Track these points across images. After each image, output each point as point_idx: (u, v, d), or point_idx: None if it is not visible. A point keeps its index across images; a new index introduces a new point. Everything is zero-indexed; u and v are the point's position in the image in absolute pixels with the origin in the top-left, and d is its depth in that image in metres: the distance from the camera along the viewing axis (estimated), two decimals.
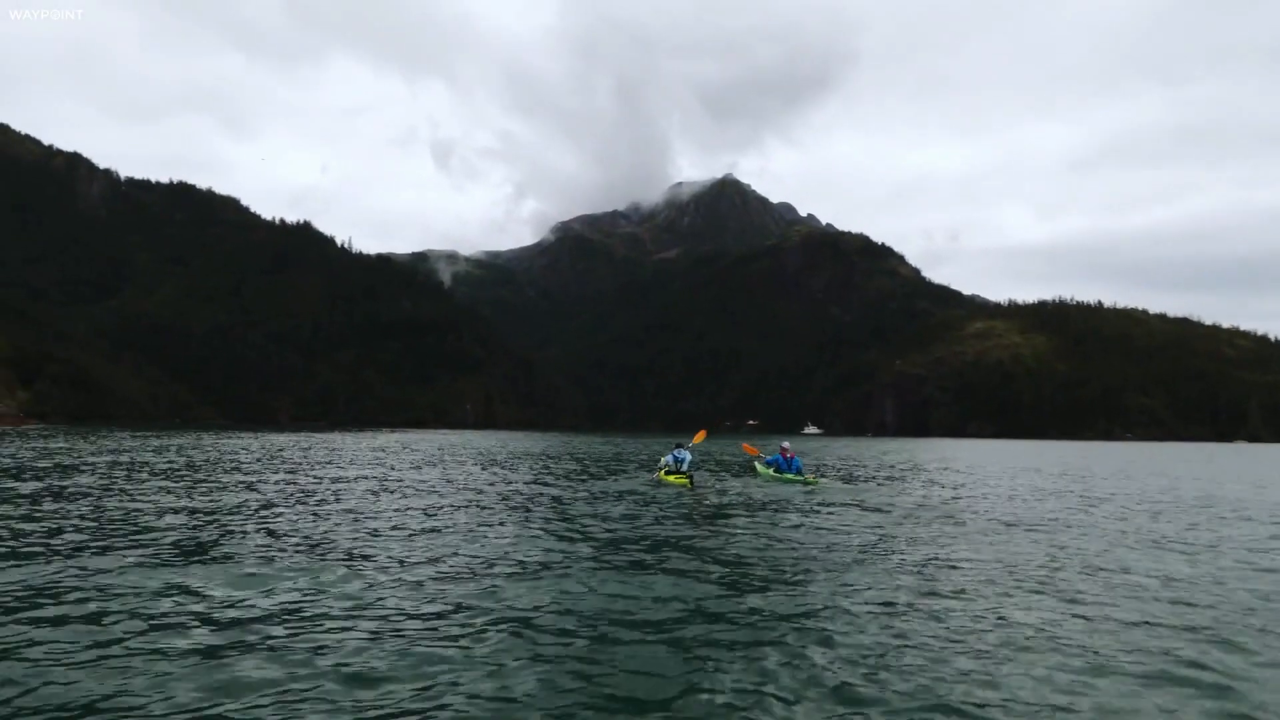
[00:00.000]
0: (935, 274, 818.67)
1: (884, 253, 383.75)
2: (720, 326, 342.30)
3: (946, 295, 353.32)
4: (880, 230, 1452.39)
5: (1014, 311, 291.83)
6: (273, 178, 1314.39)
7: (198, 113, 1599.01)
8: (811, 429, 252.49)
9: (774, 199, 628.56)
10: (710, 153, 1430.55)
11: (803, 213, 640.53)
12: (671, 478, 20.36)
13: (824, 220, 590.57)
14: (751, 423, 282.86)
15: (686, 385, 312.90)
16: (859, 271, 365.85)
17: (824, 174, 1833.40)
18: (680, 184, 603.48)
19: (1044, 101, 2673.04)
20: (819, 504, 16.73)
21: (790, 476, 22.07)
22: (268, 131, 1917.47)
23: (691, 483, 20.10)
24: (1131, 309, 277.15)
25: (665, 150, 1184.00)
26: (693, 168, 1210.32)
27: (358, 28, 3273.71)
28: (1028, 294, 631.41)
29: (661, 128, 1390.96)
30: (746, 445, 29.26)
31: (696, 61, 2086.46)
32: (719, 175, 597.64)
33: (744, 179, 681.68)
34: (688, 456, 21.03)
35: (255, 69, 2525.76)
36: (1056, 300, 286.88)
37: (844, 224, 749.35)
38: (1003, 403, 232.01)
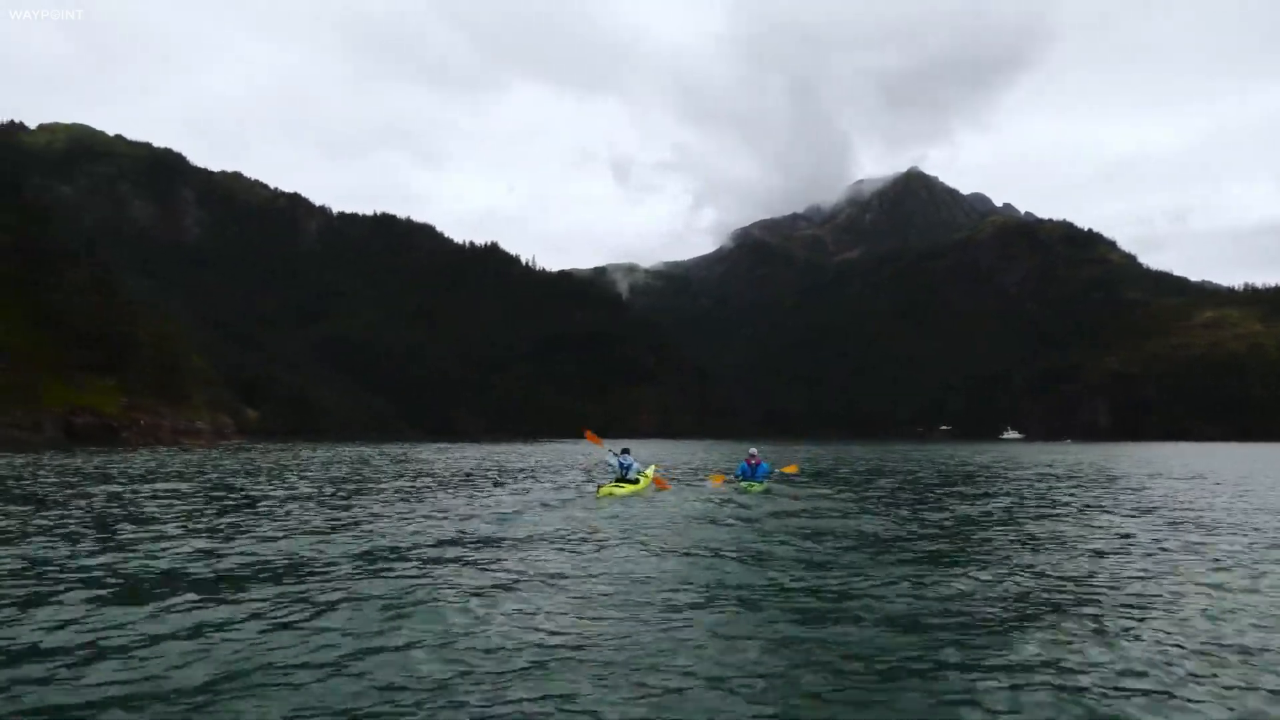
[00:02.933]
0: (1153, 260, 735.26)
1: (1091, 240, 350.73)
2: (903, 327, 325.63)
3: (1167, 283, 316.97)
4: (1087, 216, 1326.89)
5: (1252, 298, 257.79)
6: (462, 203, 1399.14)
7: (395, 148, 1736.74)
8: (1011, 434, 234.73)
9: (965, 190, 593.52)
10: (893, 147, 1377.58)
11: (998, 203, 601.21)
12: (612, 489, 18.22)
13: (1022, 209, 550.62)
14: (944, 428, 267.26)
15: (867, 390, 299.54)
16: (1061, 262, 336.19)
17: (1020, 160, 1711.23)
18: (862, 181, 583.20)
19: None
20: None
21: (746, 485, 20.49)
22: (456, 160, 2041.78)
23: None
24: None
25: (845, 148, 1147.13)
26: (875, 164, 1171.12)
27: (535, 54, 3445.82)
28: (1270, 278, 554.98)
29: (840, 125, 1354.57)
30: (714, 476, 24.71)
31: (872, 53, 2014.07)
32: (903, 169, 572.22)
33: (931, 171, 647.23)
34: (634, 463, 19.50)
35: (443, 102, 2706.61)
36: None
37: (1045, 212, 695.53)
38: (1236, 401, 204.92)
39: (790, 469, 25.75)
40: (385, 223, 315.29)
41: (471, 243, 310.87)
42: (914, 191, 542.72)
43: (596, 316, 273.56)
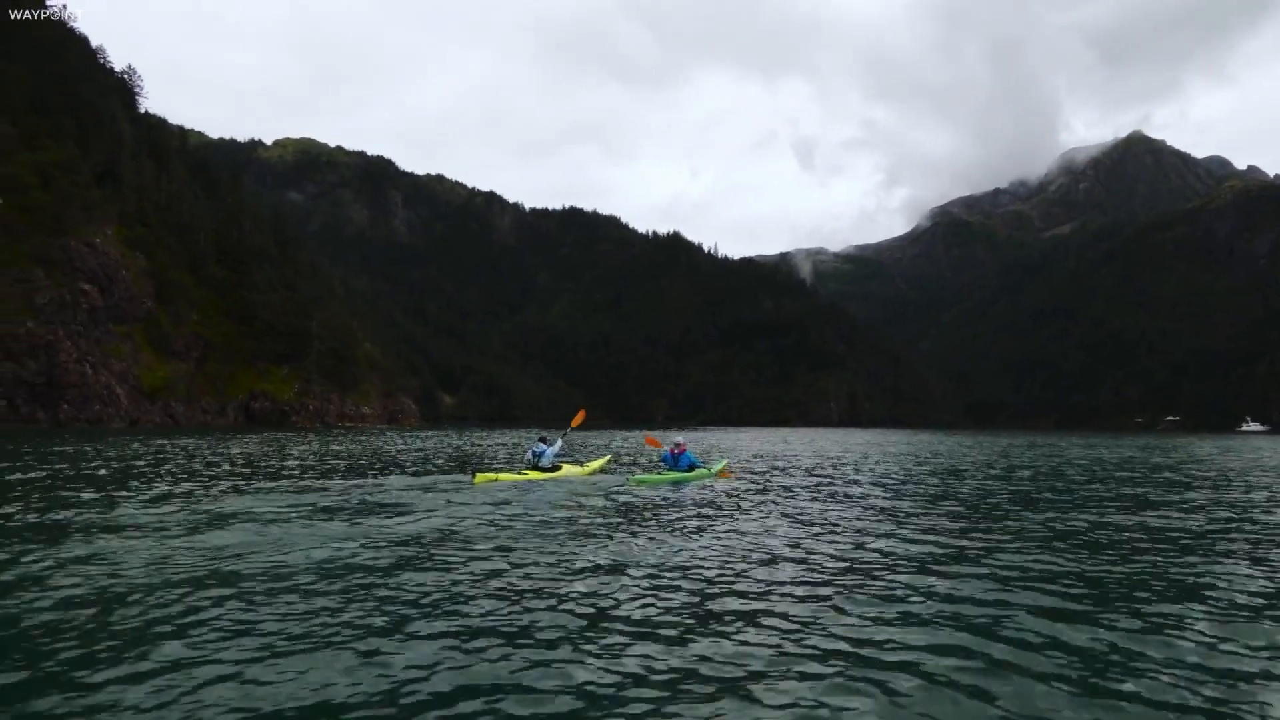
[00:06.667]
0: None
1: None
2: (1125, 307, 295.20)
3: None
4: None
5: None
6: (647, 193, 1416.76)
7: (583, 142, 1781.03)
8: (1251, 425, 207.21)
9: (1199, 153, 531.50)
10: (1111, 109, 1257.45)
11: (1240, 165, 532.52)
12: (494, 475, 16.85)
13: (1271, 172, 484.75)
14: (1170, 419, 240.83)
15: (1083, 376, 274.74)
16: None
17: (1268, 116, 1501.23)
18: (1074, 149, 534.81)
19: None
20: None
21: (659, 476, 18.26)
22: (641, 151, 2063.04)
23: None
24: None
25: (1054, 113, 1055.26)
26: (1089, 129, 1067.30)
27: (717, 40, 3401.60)
28: None
29: (1047, 88, 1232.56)
30: (649, 438, 22.81)
31: (1085, 5, 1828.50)
32: (1123, 134, 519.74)
33: (1156, 134, 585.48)
34: (547, 450, 18.19)
35: (629, 95, 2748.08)
36: None
37: None
38: None
39: (724, 475, 20.48)
40: (574, 216, 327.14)
41: (655, 232, 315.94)
42: (1136, 157, 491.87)
43: (781, 302, 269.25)
